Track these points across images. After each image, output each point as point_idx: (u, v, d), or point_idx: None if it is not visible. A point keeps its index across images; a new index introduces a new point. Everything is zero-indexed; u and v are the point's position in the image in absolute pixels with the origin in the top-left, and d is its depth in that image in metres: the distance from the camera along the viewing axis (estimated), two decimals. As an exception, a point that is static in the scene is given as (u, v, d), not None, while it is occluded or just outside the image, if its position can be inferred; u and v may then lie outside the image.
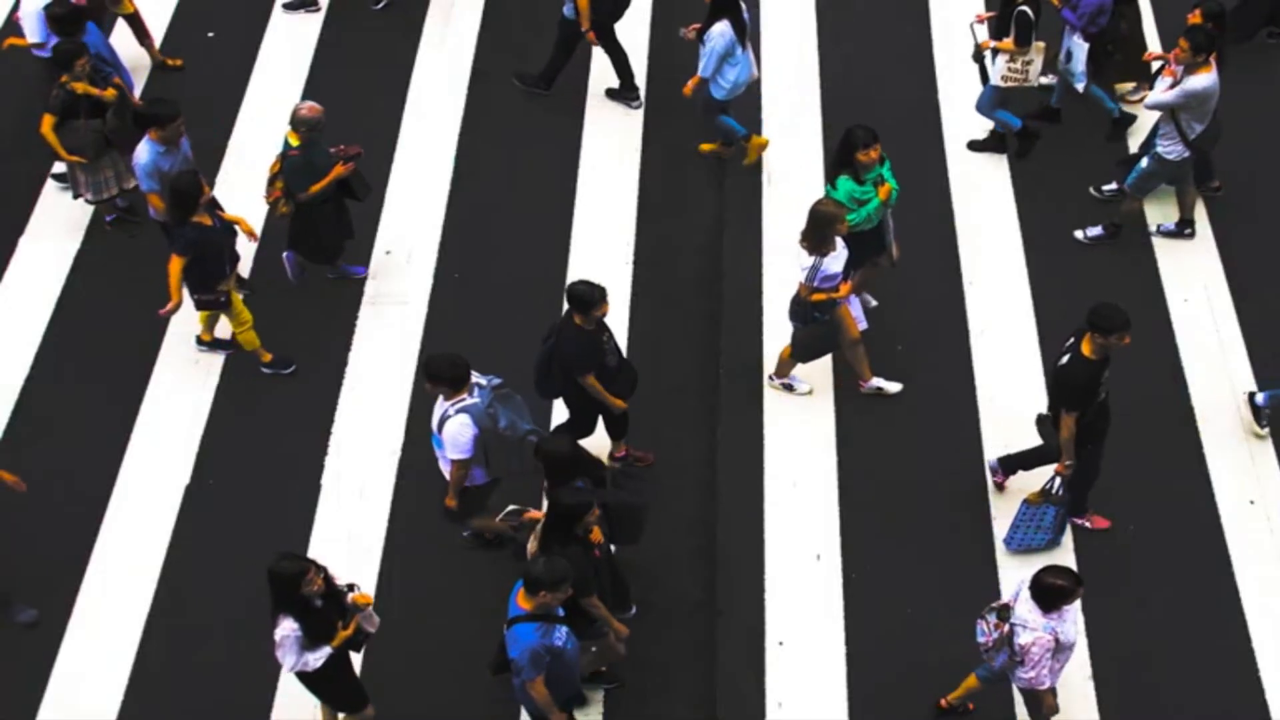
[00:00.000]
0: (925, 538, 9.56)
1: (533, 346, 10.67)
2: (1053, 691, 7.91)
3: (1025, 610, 7.67)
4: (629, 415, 9.56)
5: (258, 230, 10.76)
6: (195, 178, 9.78)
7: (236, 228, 10.11)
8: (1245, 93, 12.53)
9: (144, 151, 10.12)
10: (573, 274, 11.26)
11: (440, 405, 8.55)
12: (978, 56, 11.79)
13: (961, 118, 12.34)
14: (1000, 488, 9.67)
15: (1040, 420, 9.19)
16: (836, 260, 9.41)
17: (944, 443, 10.08)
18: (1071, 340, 8.71)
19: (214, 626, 9.21)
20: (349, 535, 9.63)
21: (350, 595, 7.82)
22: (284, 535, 9.63)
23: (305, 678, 7.91)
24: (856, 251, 9.72)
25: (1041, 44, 11.38)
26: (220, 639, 9.15)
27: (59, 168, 11.96)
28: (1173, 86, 10.35)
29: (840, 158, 9.78)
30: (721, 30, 11.04)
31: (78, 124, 10.68)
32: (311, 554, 9.47)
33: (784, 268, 11.13)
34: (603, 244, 11.54)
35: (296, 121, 10.16)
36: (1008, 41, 11.29)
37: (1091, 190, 11.64)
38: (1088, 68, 11.52)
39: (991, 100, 11.77)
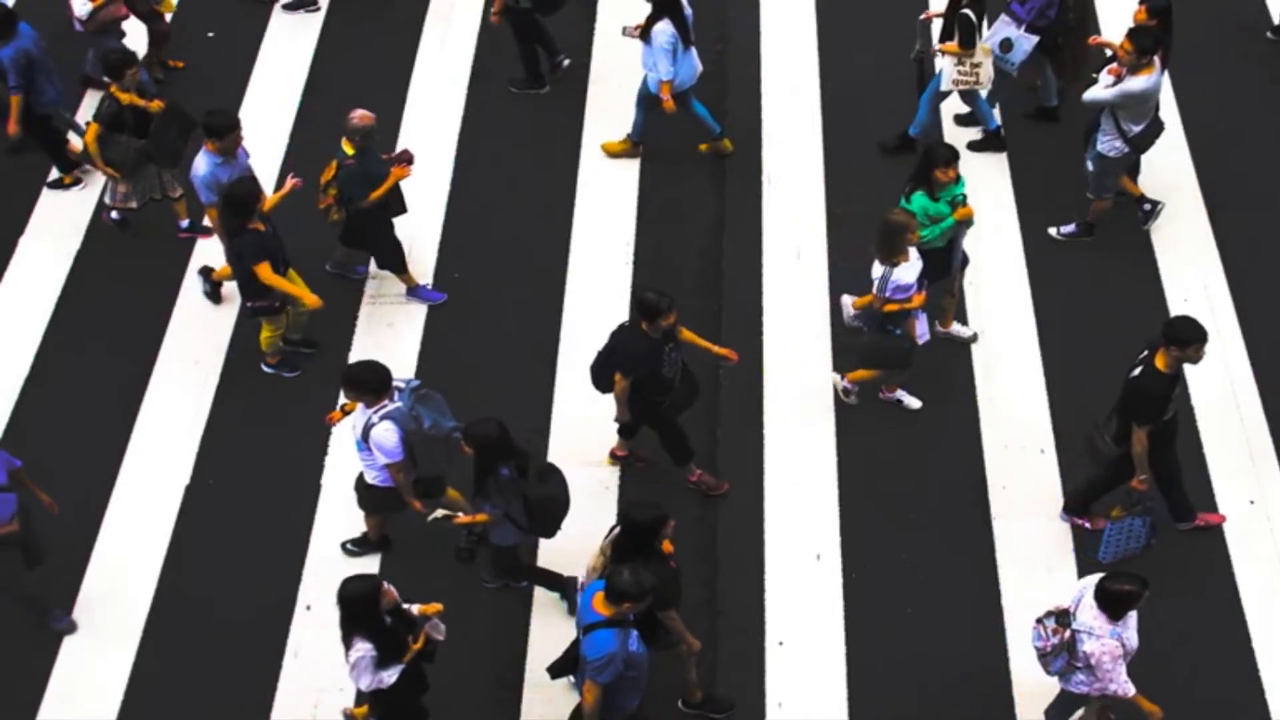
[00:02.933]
0: (925, 538, 9.56)
1: (532, 346, 10.70)
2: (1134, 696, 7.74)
3: (1089, 616, 7.54)
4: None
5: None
6: (253, 184, 9.65)
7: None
8: (1244, 91, 12.54)
9: (202, 164, 10.00)
10: (573, 274, 11.27)
11: (362, 413, 8.52)
12: (917, 57, 11.79)
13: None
14: (1092, 525, 9.42)
15: (1091, 440, 9.06)
16: (909, 270, 9.37)
17: (944, 443, 10.08)
18: (1144, 353, 8.62)
19: (214, 626, 9.21)
20: (349, 535, 9.61)
21: (416, 606, 7.72)
22: (284, 535, 9.65)
23: (374, 696, 7.77)
24: None
25: (988, 46, 11.37)
26: (220, 639, 9.15)
27: (55, 174, 11.95)
28: (1114, 85, 10.34)
29: (919, 173, 9.80)
30: (663, 28, 11.14)
31: (121, 139, 10.60)
32: (311, 554, 9.51)
33: (782, 268, 11.18)
34: (603, 244, 11.54)
35: (350, 130, 10.08)
36: (952, 45, 11.28)
37: (1088, 194, 11.64)
38: (1038, 59, 11.55)
39: (930, 101, 11.77)
